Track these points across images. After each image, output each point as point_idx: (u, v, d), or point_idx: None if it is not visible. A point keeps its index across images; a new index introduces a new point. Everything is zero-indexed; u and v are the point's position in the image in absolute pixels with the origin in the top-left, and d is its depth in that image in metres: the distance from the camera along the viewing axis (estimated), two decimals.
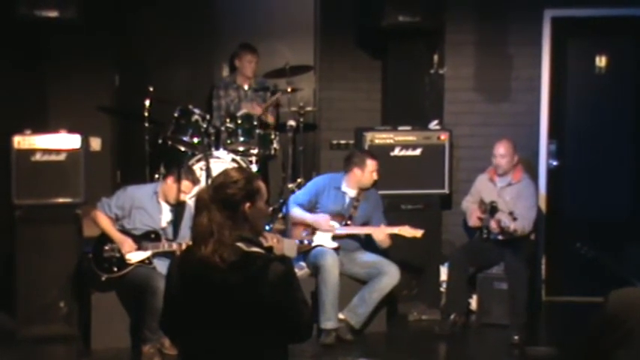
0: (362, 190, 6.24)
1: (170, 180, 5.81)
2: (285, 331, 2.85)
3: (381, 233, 6.05)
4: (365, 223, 6.19)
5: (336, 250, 6.13)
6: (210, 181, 2.94)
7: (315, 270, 6.06)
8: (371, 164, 6.16)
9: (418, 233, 6.04)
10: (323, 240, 6.16)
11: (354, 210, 6.23)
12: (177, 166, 5.93)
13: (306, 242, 6.10)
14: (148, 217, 5.82)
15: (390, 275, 6.08)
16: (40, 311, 6.14)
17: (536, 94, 7.26)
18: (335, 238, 6.17)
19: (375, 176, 6.21)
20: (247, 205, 2.86)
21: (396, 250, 6.39)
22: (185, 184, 5.79)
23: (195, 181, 5.88)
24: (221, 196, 2.84)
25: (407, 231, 6.05)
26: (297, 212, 6.20)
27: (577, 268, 6.90)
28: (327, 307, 5.95)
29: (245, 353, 2.82)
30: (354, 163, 6.19)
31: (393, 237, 6.12)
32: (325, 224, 6.15)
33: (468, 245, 6.75)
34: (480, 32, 7.27)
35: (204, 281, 2.81)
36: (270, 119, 7.00)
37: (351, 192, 6.24)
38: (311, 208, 6.26)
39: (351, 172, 6.20)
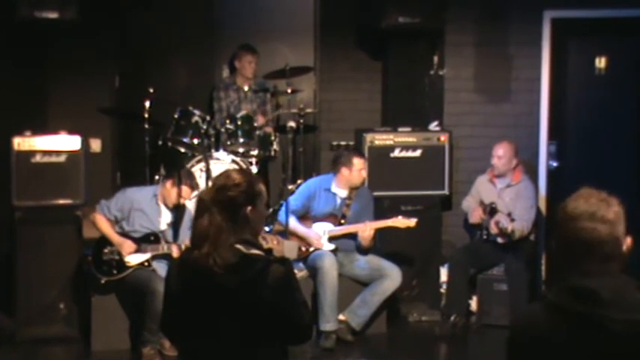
0: (353, 189, 6.23)
1: (169, 184, 5.80)
2: (284, 332, 2.85)
3: (364, 230, 6.02)
4: (358, 221, 6.14)
5: (333, 251, 6.12)
6: (211, 183, 2.93)
7: (314, 272, 6.06)
8: (358, 162, 6.12)
9: (412, 222, 6.02)
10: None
11: (346, 209, 6.22)
12: (177, 170, 5.91)
13: (303, 248, 6.09)
14: (147, 220, 5.81)
15: (392, 278, 6.07)
16: (39, 312, 6.14)
17: (536, 94, 7.27)
18: (332, 239, 6.17)
19: (363, 174, 6.17)
20: (249, 208, 2.86)
21: (397, 250, 6.39)
22: (184, 189, 5.76)
23: (194, 186, 5.85)
24: (222, 198, 2.84)
25: (400, 222, 6.03)
26: (291, 223, 6.18)
27: None
28: (326, 309, 5.95)
29: (245, 354, 2.82)
30: (341, 162, 6.18)
31: (387, 236, 6.11)
32: (317, 242, 6.13)
33: (468, 246, 6.75)
34: (480, 33, 7.27)
35: (204, 283, 2.81)
36: (268, 130, 6.98)
37: (341, 192, 6.23)
38: (305, 212, 6.26)
39: (339, 172, 6.18)
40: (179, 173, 5.81)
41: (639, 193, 7.34)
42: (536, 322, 2.26)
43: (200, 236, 2.82)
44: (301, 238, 6.17)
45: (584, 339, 2.20)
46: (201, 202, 2.87)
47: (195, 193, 5.89)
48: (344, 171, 6.15)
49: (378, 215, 6.30)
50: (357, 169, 6.13)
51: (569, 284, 2.24)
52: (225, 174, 2.94)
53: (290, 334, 2.88)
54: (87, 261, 5.80)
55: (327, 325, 5.95)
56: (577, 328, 2.20)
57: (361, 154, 6.26)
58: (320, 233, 6.16)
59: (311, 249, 6.12)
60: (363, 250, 6.15)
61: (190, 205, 5.98)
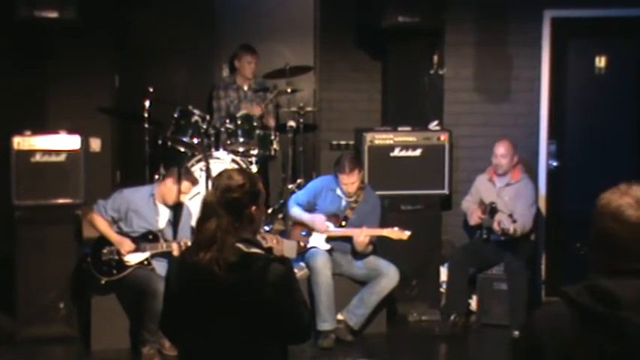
0: (359, 192, 6.21)
1: (170, 182, 5.80)
2: (284, 331, 2.85)
3: (359, 235, 5.99)
4: (360, 225, 6.13)
5: (329, 251, 6.12)
6: (214, 185, 2.91)
7: (308, 271, 6.07)
8: (340, 177, 6.08)
9: (404, 235, 6.01)
10: (317, 242, 6.16)
11: (350, 211, 6.21)
12: (176, 167, 5.91)
13: (302, 244, 6.10)
14: (145, 221, 5.81)
15: (390, 277, 6.07)
16: (39, 312, 6.14)
17: (536, 94, 7.26)
18: (329, 239, 6.16)
19: (348, 189, 6.10)
20: (253, 208, 2.88)
21: (396, 250, 6.38)
22: (185, 184, 5.79)
23: (194, 181, 5.89)
24: (228, 200, 2.84)
25: (394, 233, 6.01)
26: (295, 212, 6.21)
27: (577, 268, 6.87)
28: (322, 308, 5.94)
29: (245, 354, 2.82)
30: (335, 168, 6.20)
31: (384, 240, 6.10)
32: (321, 224, 6.13)
33: (467, 246, 6.75)
34: (479, 33, 7.27)
35: (204, 282, 2.81)
36: (271, 122, 6.98)
37: (345, 195, 6.23)
38: (310, 208, 6.26)
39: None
40: (178, 170, 5.81)
41: None
42: (558, 319, 2.17)
43: (207, 239, 2.80)
44: (305, 226, 6.16)
45: (603, 341, 2.12)
46: (207, 205, 2.87)
47: (195, 188, 5.91)
48: (337, 175, 6.17)
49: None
50: (342, 183, 6.11)
51: (589, 283, 2.16)
52: (227, 174, 2.93)
53: (289, 333, 2.88)
54: (86, 262, 5.80)
55: (325, 324, 5.94)
56: (596, 329, 2.12)
57: (347, 169, 6.03)
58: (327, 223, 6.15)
59: (309, 245, 6.13)
60: (358, 255, 6.14)
61: (188, 203, 6.00)
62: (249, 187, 2.88)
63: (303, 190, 6.42)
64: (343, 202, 6.23)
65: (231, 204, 2.83)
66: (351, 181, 6.07)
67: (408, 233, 6.01)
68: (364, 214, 6.19)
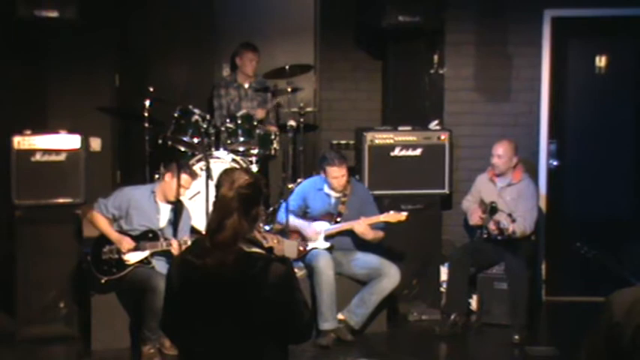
0: (347, 185, 6.21)
1: (168, 176, 5.79)
2: (285, 331, 2.85)
3: (360, 226, 6.02)
4: (357, 218, 6.11)
5: (329, 250, 6.12)
6: (228, 181, 2.87)
7: (310, 272, 6.06)
8: (331, 171, 6.08)
9: (402, 217, 6.03)
10: (316, 242, 6.16)
11: (342, 207, 6.21)
12: (175, 162, 5.89)
13: (301, 248, 6.10)
14: (146, 218, 5.80)
15: (390, 277, 6.07)
16: (39, 312, 6.14)
17: (537, 94, 7.26)
18: (328, 237, 6.16)
19: (339, 182, 6.11)
20: (259, 207, 2.90)
21: (396, 249, 6.39)
22: (184, 177, 5.75)
23: (192, 174, 5.86)
24: (243, 196, 2.84)
25: (391, 217, 6.04)
26: (290, 219, 6.19)
27: (577, 268, 6.90)
28: (324, 308, 5.94)
29: (245, 353, 2.82)
30: (320, 166, 6.20)
31: (384, 241, 6.10)
32: (312, 235, 6.13)
33: (468, 245, 6.75)
34: (480, 32, 7.27)
35: (205, 281, 2.81)
36: (272, 129, 6.97)
37: (333, 192, 6.23)
38: (302, 212, 6.26)
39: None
40: (177, 164, 5.80)
41: (639, 193, 7.35)
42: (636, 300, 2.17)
43: (227, 241, 2.79)
44: (299, 233, 6.17)
45: None
46: (224, 200, 2.84)
47: (195, 182, 5.90)
48: (322, 174, 6.17)
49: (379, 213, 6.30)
50: (332, 177, 6.11)
51: None
52: (237, 173, 2.92)
53: (290, 332, 2.88)
54: (87, 261, 5.80)
55: (326, 324, 5.94)
56: None
57: (337, 162, 6.07)
58: (318, 230, 6.16)
59: (308, 248, 6.12)
60: (370, 244, 6.14)
61: (188, 204, 6.00)
62: (259, 187, 2.90)
63: (293, 195, 6.37)
64: (333, 200, 6.23)
65: (244, 201, 2.84)
66: (341, 173, 6.09)
67: (405, 214, 6.04)
68: (360, 206, 6.20)
